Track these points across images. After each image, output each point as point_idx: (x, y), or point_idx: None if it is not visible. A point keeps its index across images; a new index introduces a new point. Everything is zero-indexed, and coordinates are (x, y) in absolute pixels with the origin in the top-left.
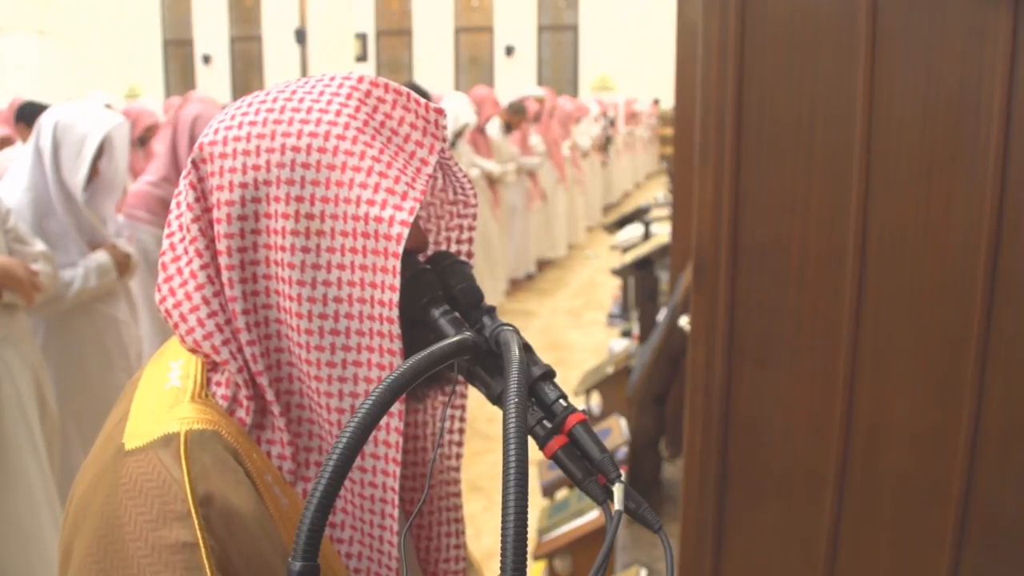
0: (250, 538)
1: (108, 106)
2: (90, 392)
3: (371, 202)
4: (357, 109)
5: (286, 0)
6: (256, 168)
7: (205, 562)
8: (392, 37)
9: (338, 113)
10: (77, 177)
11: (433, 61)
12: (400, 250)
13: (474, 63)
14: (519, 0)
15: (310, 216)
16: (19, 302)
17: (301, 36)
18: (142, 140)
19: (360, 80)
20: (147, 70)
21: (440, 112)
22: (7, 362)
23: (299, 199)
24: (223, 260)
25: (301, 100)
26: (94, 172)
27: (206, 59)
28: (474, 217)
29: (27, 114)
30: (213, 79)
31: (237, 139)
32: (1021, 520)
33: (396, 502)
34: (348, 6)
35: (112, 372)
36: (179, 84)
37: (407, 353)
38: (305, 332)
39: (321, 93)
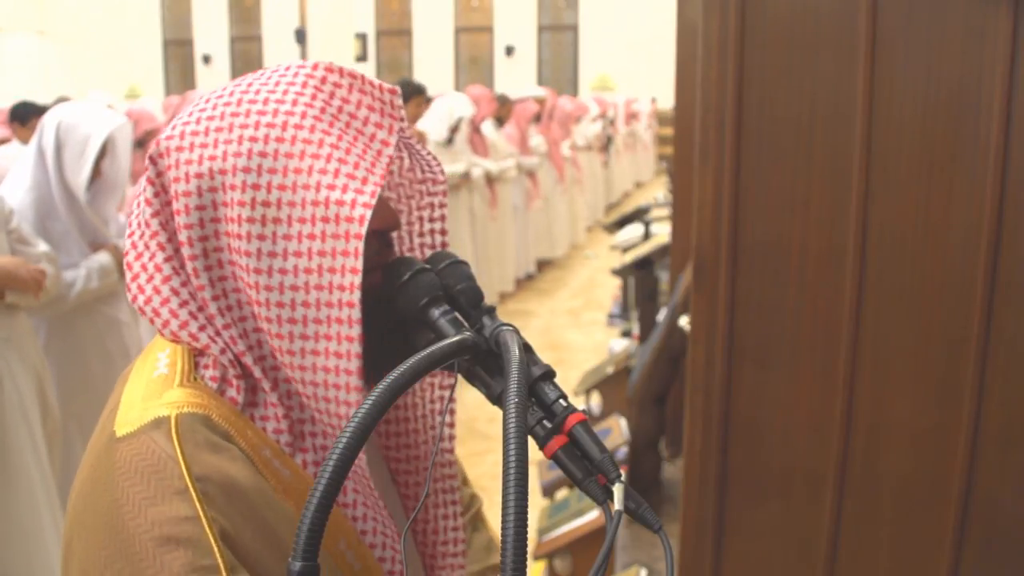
0: (252, 508)
1: (109, 107)
2: (92, 393)
3: (331, 187)
4: (313, 97)
5: (286, 0)
6: (212, 159)
7: (208, 532)
8: (392, 37)
9: (294, 103)
10: (80, 177)
11: (433, 61)
12: (363, 232)
13: (474, 63)
14: (519, 0)
15: (266, 204)
16: (22, 302)
17: (301, 36)
18: (140, 143)
19: (315, 67)
20: (147, 70)
21: (394, 92)
22: (8, 363)
23: (255, 187)
24: (186, 251)
25: (257, 92)
26: (97, 172)
27: (206, 59)
28: (444, 194)
29: (21, 114)
30: (213, 79)
31: (195, 133)
32: (1021, 520)
33: (377, 495)
34: (348, 6)
35: (114, 373)
36: (179, 84)
37: (407, 353)
38: (266, 320)
39: (277, 84)
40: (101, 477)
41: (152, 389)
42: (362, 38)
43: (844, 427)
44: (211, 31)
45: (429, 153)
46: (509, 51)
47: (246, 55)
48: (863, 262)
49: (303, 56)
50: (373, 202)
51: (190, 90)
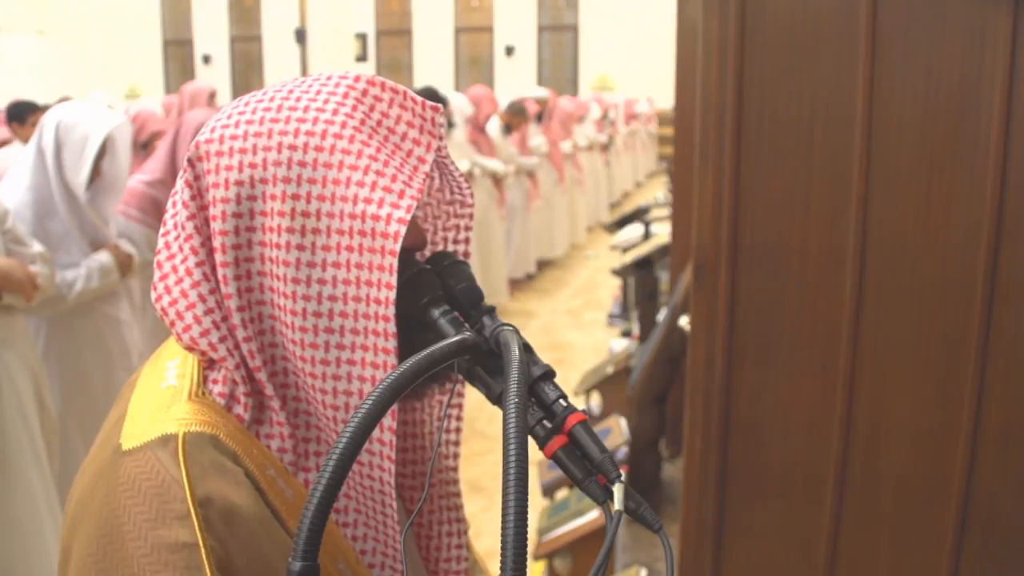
0: (251, 536)
1: (110, 107)
2: (92, 392)
3: (368, 200)
4: (354, 108)
5: (286, 0)
6: (252, 166)
7: (205, 562)
8: (392, 37)
9: (335, 112)
10: (79, 177)
11: (433, 61)
12: (397, 248)
13: (474, 63)
14: (519, 0)
15: (306, 214)
16: (18, 303)
17: (301, 36)
18: (145, 145)
19: (357, 79)
20: (147, 70)
21: (436, 109)
22: (6, 364)
23: (295, 197)
24: (218, 257)
25: (298, 99)
26: (96, 172)
27: (206, 59)
28: (471, 217)
29: (17, 113)
30: (213, 79)
31: (234, 138)
32: (1021, 520)
33: (393, 495)
34: (348, 6)
35: (114, 372)
36: (179, 84)
37: (407, 354)
38: (299, 330)
39: (318, 92)
40: (103, 490)
41: (160, 401)
42: (362, 38)
43: (844, 427)
44: (211, 31)
45: (460, 174)
46: (509, 51)
47: (246, 55)
48: (863, 262)
49: (303, 56)
50: (408, 217)
51: (188, 81)
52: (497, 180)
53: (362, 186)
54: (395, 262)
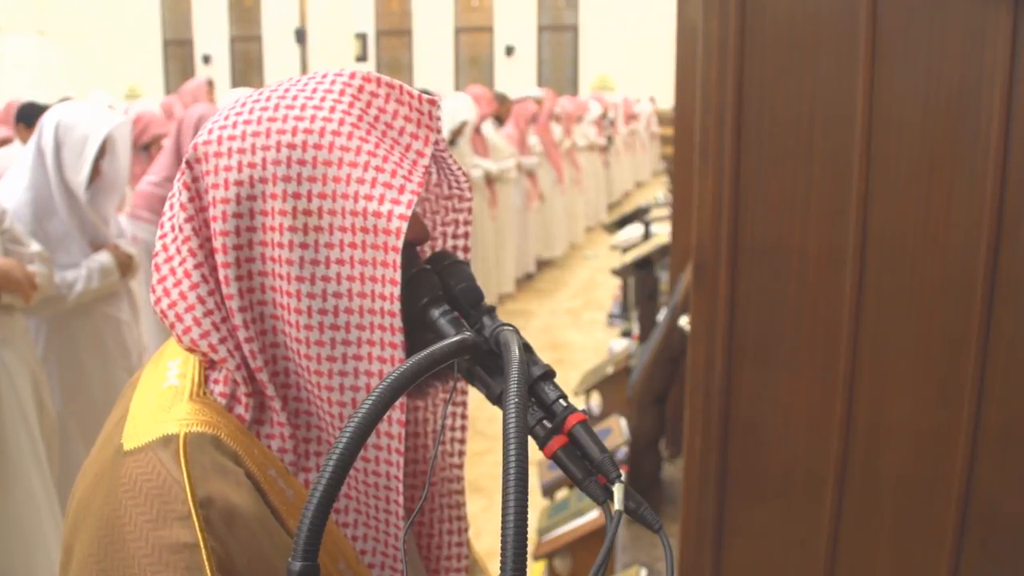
0: (251, 536)
1: (110, 107)
2: (92, 392)
3: (369, 197)
4: (351, 104)
5: (286, 0)
6: (252, 166)
7: (205, 563)
8: (392, 37)
9: (332, 109)
10: (79, 177)
11: (433, 61)
12: (400, 244)
13: (474, 63)
14: (519, 0)
15: (307, 212)
16: (17, 303)
17: (301, 36)
18: (146, 147)
19: (352, 76)
20: (147, 70)
21: (433, 103)
22: (6, 363)
23: (296, 196)
24: (219, 258)
25: (295, 98)
26: (96, 172)
27: (206, 59)
28: (469, 211)
29: (27, 115)
30: (213, 79)
31: (232, 138)
32: (1021, 520)
33: (400, 489)
34: (348, 6)
35: (114, 372)
36: (179, 84)
37: (408, 353)
38: (304, 328)
39: (314, 90)
40: (105, 490)
41: (161, 401)
42: (362, 38)
43: (844, 427)
44: (211, 31)
45: (459, 168)
46: (509, 51)
47: (246, 55)
48: (863, 262)
49: (303, 56)
50: (409, 213)
51: (187, 81)
52: (489, 180)
53: (362, 183)
54: (398, 258)
